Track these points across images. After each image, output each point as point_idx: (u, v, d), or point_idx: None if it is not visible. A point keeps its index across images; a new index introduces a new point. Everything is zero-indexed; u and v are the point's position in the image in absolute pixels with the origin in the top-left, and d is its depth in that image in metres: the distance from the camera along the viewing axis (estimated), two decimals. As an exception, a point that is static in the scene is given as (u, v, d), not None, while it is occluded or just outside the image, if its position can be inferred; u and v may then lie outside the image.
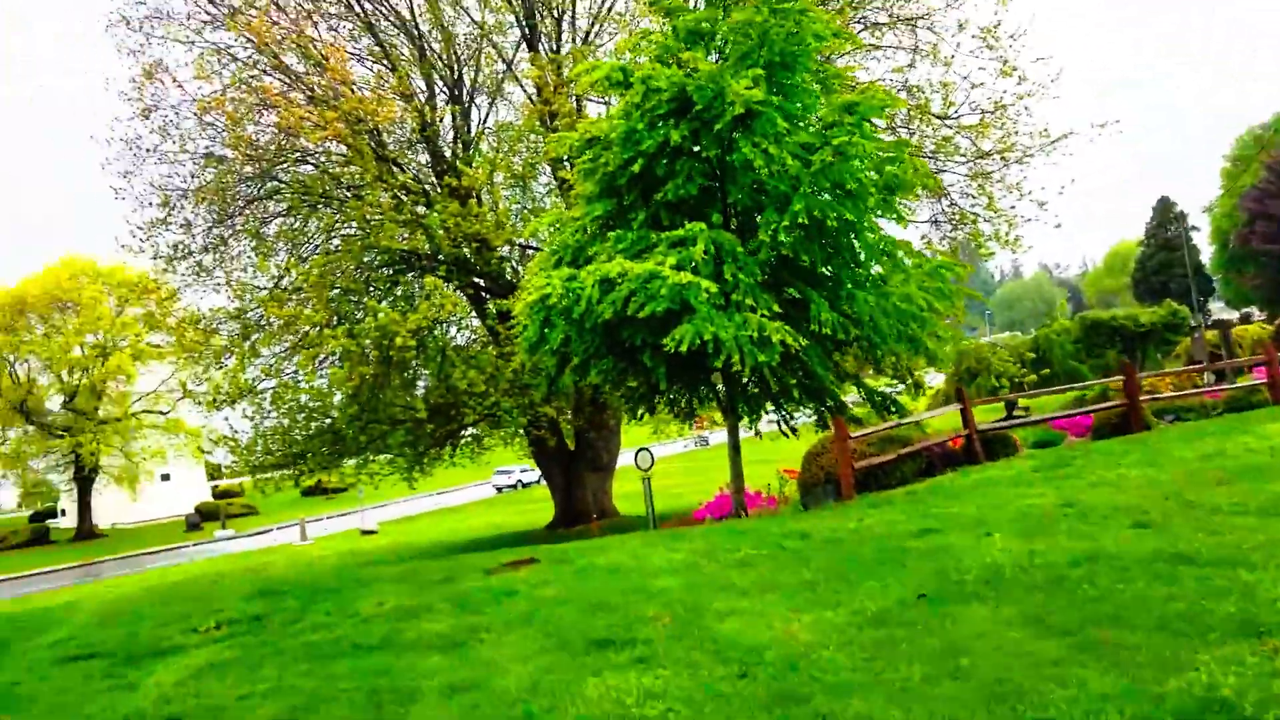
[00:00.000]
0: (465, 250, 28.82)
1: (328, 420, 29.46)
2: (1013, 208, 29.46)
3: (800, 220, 15.06)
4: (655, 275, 14.69)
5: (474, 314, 32.67)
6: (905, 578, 9.14)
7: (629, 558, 12.05)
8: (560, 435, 32.96)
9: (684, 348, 14.41)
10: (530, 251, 32.67)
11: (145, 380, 70.49)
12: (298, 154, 29.87)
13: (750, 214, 16.65)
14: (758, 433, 18.53)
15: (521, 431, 32.47)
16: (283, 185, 30.51)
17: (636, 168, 15.78)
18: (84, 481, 70.67)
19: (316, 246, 30.75)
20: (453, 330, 32.46)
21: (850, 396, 18.96)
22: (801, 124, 16.41)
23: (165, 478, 76.56)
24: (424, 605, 10.60)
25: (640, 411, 18.68)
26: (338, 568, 37.60)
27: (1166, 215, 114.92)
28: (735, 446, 17.62)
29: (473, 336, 33.44)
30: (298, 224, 31.24)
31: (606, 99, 25.47)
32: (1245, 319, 71.84)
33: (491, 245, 30.01)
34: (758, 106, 15.27)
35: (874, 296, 16.27)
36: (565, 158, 26.36)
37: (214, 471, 79.03)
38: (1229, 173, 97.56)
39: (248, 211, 30.77)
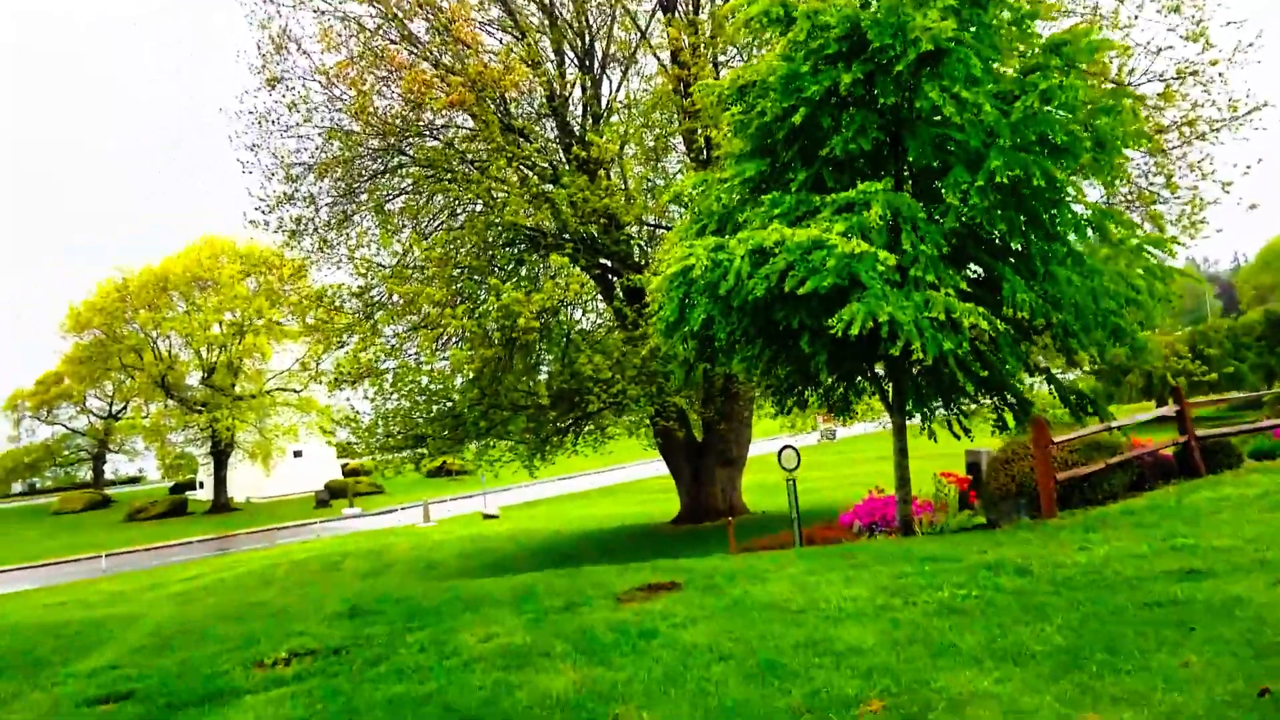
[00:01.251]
0: (593, 228, 26.46)
1: (449, 403, 27.44)
2: (1194, 188, 25.84)
3: (998, 179, 12.20)
4: (820, 244, 12.00)
5: (600, 297, 30.32)
6: (1206, 651, 6.33)
7: (794, 589, 9.43)
8: (688, 426, 30.43)
9: (854, 331, 11.69)
10: (661, 231, 30.22)
11: (281, 358, 70.34)
12: (423, 126, 27.89)
13: (929, 176, 13.79)
14: (931, 433, 15.70)
15: (648, 422, 29.99)
16: (407, 160, 28.57)
17: (798, 118, 13.07)
18: (220, 456, 70.87)
19: (440, 223, 28.76)
20: (578, 313, 30.19)
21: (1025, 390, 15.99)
22: (996, 67, 13.47)
23: (298, 454, 76.48)
24: (540, 646, 8.17)
25: (789, 404, 16.02)
26: (458, 554, 36.06)
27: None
28: (902, 450, 14.83)
29: (599, 321, 31.11)
30: (422, 200, 29.28)
31: (753, 52, 22.72)
32: None
33: (620, 223, 27.63)
34: (948, 43, 12.42)
35: (1078, 275, 13.29)
36: (706, 124, 23.77)
37: (343, 450, 79.03)
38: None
39: (371, 185, 28.93)
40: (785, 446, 17.70)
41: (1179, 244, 16.84)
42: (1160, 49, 25.00)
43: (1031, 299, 12.73)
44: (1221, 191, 27.94)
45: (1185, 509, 11.69)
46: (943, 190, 13.33)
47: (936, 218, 13.04)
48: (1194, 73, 24.48)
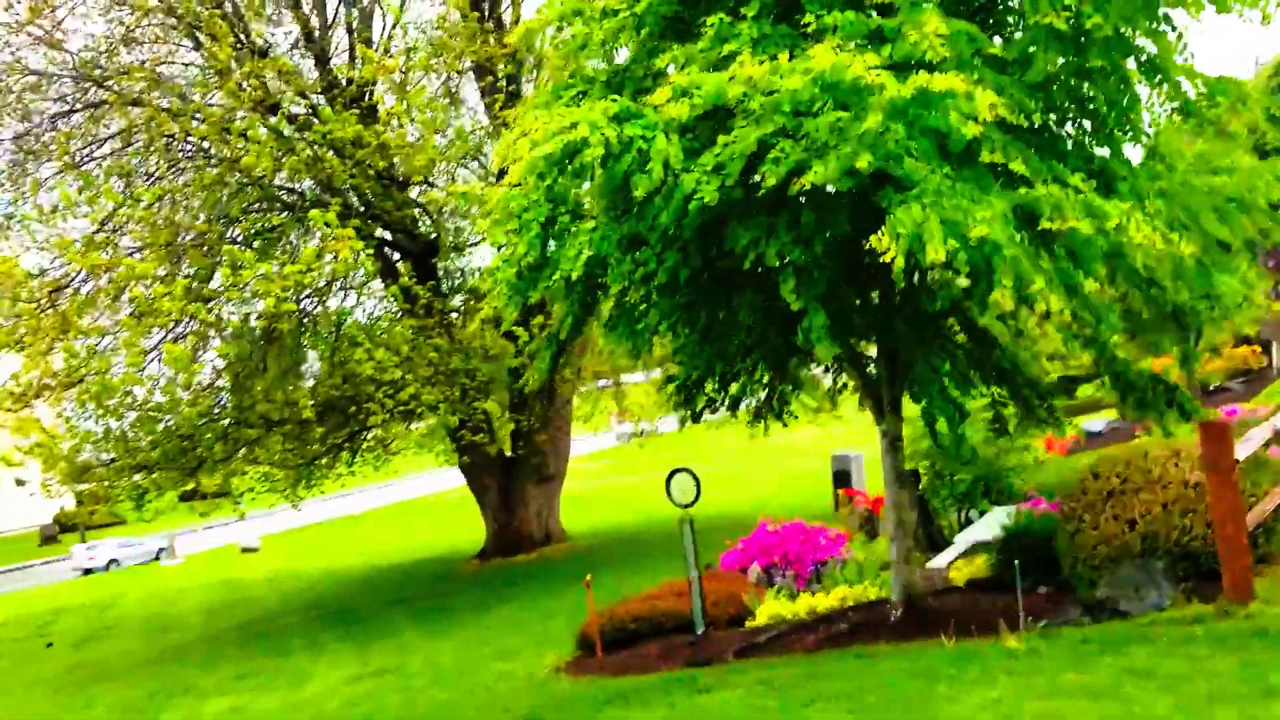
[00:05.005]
0: (367, 184, 19.51)
1: (172, 422, 19.81)
2: None
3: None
4: (836, 86, 5.93)
5: (381, 277, 23.32)
6: None
7: None
8: (496, 437, 23.83)
9: (927, 259, 5.65)
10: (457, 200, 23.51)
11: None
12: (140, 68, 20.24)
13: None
14: (933, 433, 9.84)
15: (444, 432, 23.10)
16: (110, 104, 20.65)
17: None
18: (-80, 489, 58.49)
19: (158, 178, 21.02)
20: (353, 299, 23.08)
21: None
22: None
23: (20, 483, 64.57)
24: None
25: (726, 401, 9.91)
26: (204, 608, 28.03)
27: None
28: (899, 473, 8.96)
29: (382, 307, 24.03)
30: (135, 153, 21.41)
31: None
32: None
33: (404, 180, 20.83)
34: None
35: (1167, 180, 7.68)
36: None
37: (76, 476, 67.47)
38: None
39: (61, 133, 20.87)
40: (678, 470, 11.47)
41: None
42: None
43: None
44: None
45: None
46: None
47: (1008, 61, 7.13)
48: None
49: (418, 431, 23.99)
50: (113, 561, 44.63)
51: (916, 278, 8.64)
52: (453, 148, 19.86)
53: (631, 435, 47.16)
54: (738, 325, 8.09)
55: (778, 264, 6.64)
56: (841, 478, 19.94)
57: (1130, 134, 7.95)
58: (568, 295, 7.91)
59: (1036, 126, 7.51)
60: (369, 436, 23.36)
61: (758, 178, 6.28)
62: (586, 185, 7.69)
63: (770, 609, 12.30)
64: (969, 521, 17.13)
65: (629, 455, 51.71)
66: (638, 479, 42.86)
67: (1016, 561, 7.94)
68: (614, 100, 6.72)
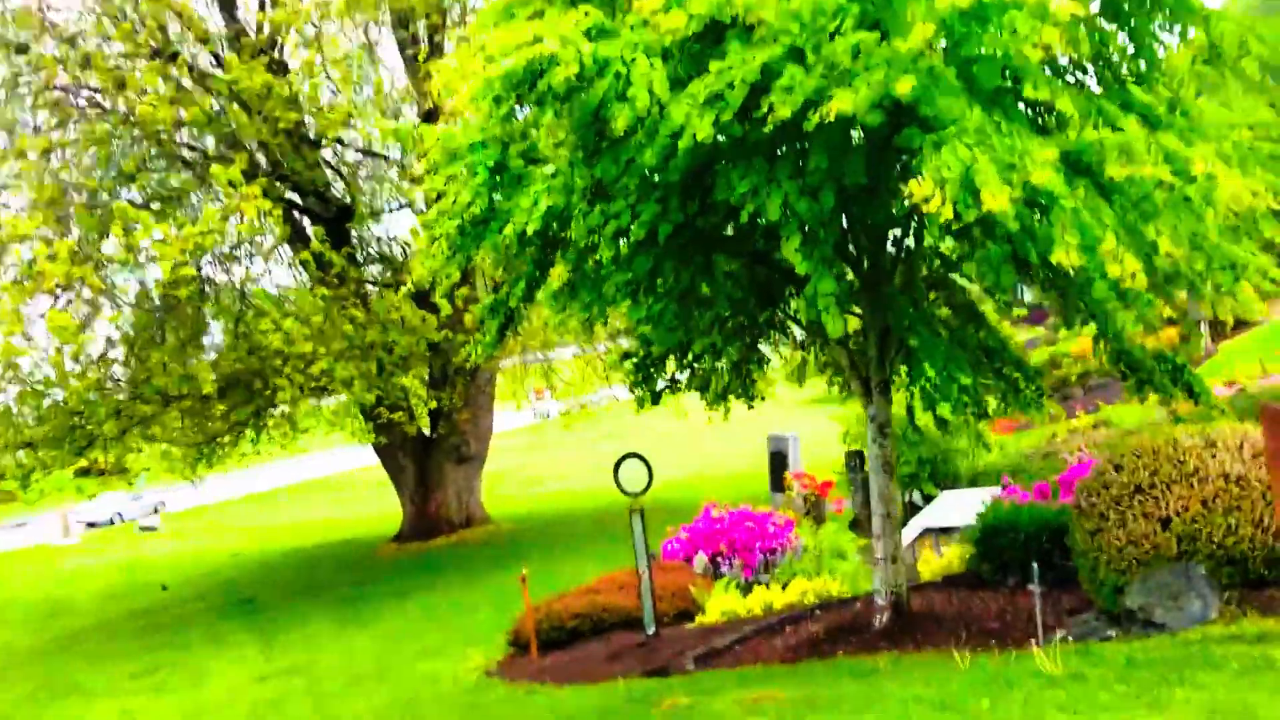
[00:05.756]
0: (275, 140, 17.84)
1: (59, 397, 17.98)
2: None
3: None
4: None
5: (290, 246, 21.62)
6: None
7: None
8: (414, 415, 22.38)
9: (981, 207, 4.56)
10: (371, 160, 21.93)
11: None
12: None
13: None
14: (935, 418, 8.79)
15: (357, 410, 21.52)
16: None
17: None
18: None
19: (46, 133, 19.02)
20: (258, 266, 21.34)
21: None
22: None
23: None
24: None
25: (723, 385, 8.74)
26: (100, 592, 25.95)
27: None
28: (887, 462, 7.93)
29: (291, 276, 22.30)
30: (18, 102, 19.36)
31: None
32: None
33: (319, 139, 19.23)
34: None
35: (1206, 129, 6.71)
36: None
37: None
38: None
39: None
40: (628, 456, 10.30)
41: None
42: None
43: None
44: None
45: None
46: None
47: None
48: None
49: (329, 408, 22.38)
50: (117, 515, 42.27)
51: (911, 242, 7.59)
52: (370, 105, 18.30)
53: (561, 412, 45.15)
54: (718, 293, 6.93)
55: (779, 218, 5.50)
56: (778, 459, 18.93)
57: (1151, 81, 6.95)
58: (520, 254, 6.68)
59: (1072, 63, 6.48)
60: (276, 413, 21.73)
61: (762, 111, 5.11)
62: (540, 127, 6.45)
63: (721, 603, 11.25)
64: (913, 505, 16.32)
65: (546, 433, 50.26)
66: (559, 457, 41.54)
67: (1035, 565, 6.94)
68: (585, 14, 5.48)
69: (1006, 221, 4.87)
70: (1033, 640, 6.80)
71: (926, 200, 4.56)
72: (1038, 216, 4.97)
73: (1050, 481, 11.62)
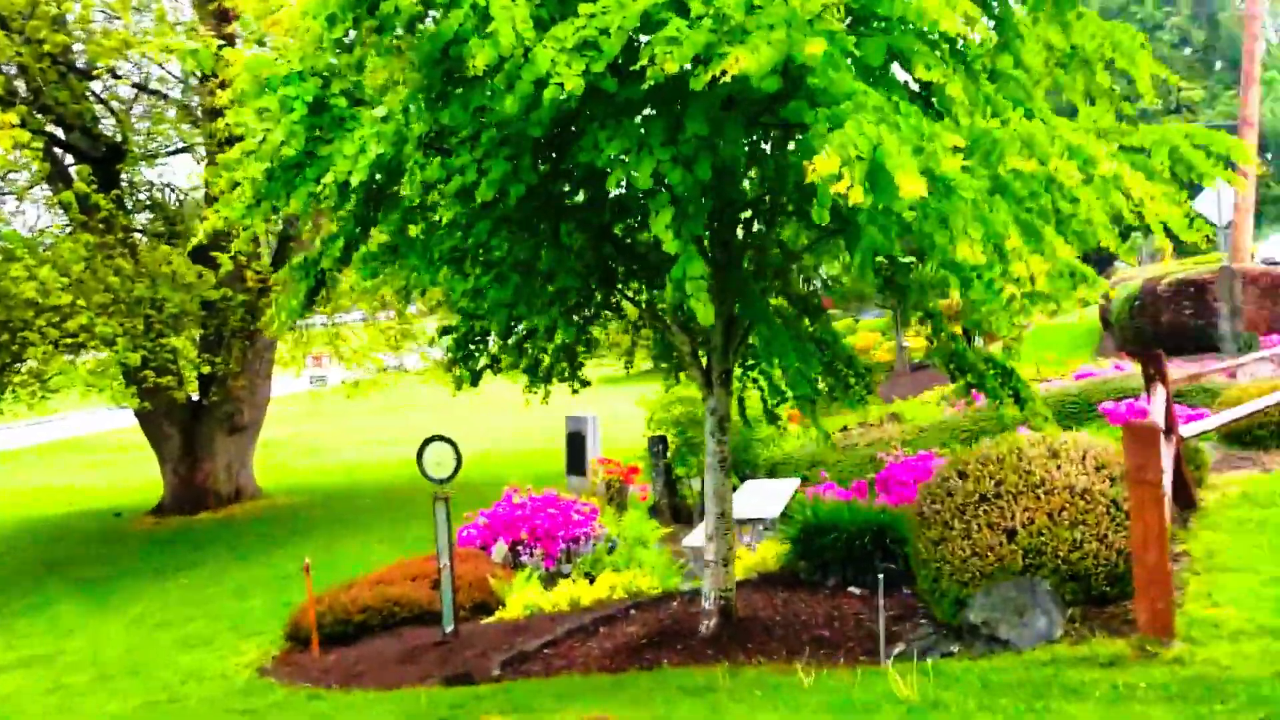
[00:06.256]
0: (38, 70, 15.76)
1: None
2: None
3: None
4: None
5: (50, 184, 19.29)
6: None
7: None
8: (205, 380, 20.53)
9: (891, 194, 4.03)
10: (149, 96, 19.84)
11: None
12: None
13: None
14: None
15: (118, 370, 19.45)
16: None
17: None
18: None
19: None
20: (10, 204, 18.96)
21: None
22: None
23: None
24: None
25: (548, 368, 7.95)
26: None
27: None
28: (724, 458, 7.42)
29: (48, 216, 19.95)
30: None
31: None
32: None
33: (89, 69, 17.16)
34: None
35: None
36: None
37: None
38: None
39: None
40: (434, 438, 9.40)
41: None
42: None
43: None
44: None
45: None
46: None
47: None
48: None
49: (85, 366, 20.17)
50: None
51: (762, 225, 7.10)
52: (150, 36, 16.40)
53: (314, 382, 42.47)
54: (560, 268, 6.20)
55: (649, 188, 4.85)
56: (576, 440, 18.31)
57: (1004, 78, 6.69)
58: (340, 207, 5.75)
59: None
60: (23, 370, 19.43)
61: (641, 63, 4.44)
62: (372, 58, 5.52)
63: (524, 597, 10.56)
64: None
65: (325, 401, 48.00)
66: (339, 427, 39.58)
67: (881, 576, 6.58)
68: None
69: (902, 211, 4.39)
70: (875, 655, 6.46)
71: (837, 178, 4.00)
72: (933, 207, 4.51)
73: (868, 480, 11.51)
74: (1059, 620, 5.90)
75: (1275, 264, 27.39)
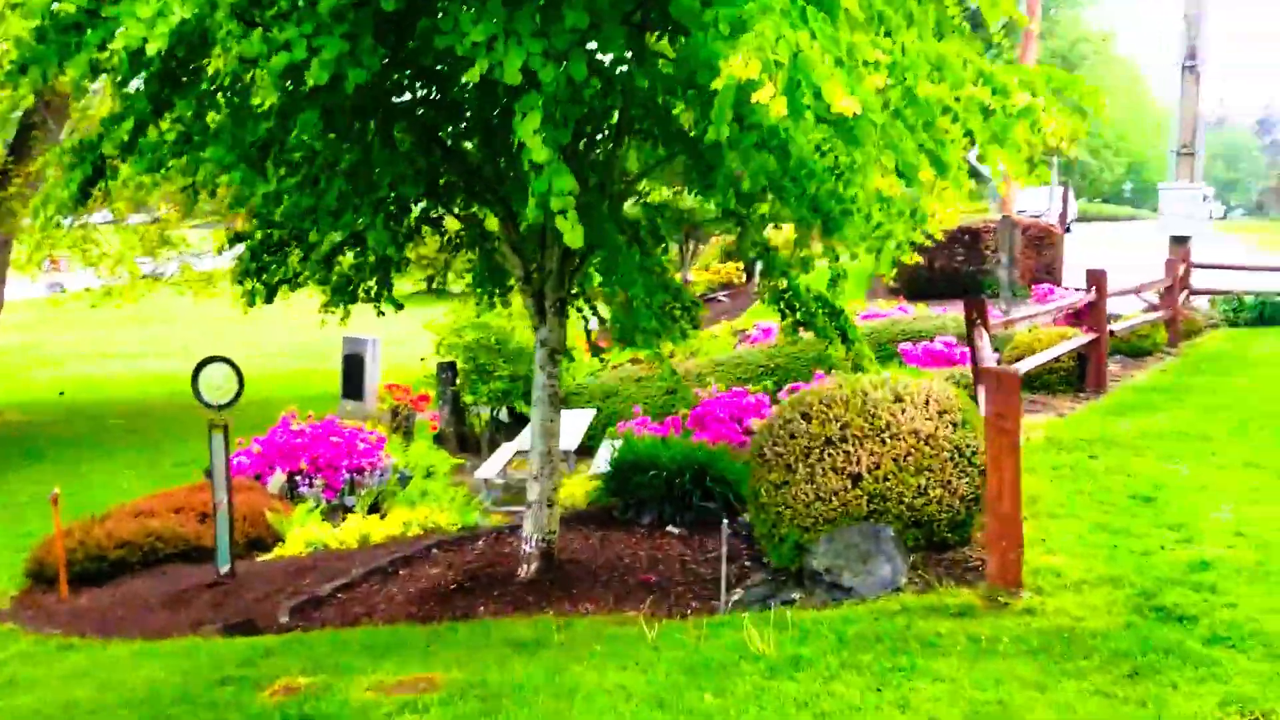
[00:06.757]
0: None
1: None
2: None
3: None
4: None
5: None
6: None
7: None
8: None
9: (823, 104, 3.54)
10: None
11: None
12: None
13: None
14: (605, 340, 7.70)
15: None
16: None
17: None
18: None
19: None
20: None
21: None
22: None
23: None
24: None
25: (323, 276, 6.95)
26: None
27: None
28: (554, 394, 6.80)
29: None
30: None
31: None
32: None
33: None
34: None
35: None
36: None
37: None
38: None
39: None
40: (211, 359, 8.34)
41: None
42: None
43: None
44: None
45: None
46: None
47: None
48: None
49: None
50: None
51: (609, 143, 6.49)
52: None
53: (51, 288, 38.46)
54: (399, 174, 5.35)
55: (519, 83, 4.16)
56: (354, 363, 17.19)
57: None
58: (126, 82, 4.72)
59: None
60: None
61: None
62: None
63: (306, 533, 9.69)
64: (499, 422, 15.52)
65: (66, 309, 43.82)
66: (82, 338, 36.10)
67: (725, 523, 6.21)
68: None
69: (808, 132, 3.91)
70: (710, 601, 6.12)
71: (755, 87, 3.46)
72: (843, 130, 4.07)
73: (681, 415, 11.23)
74: (903, 568, 5.73)
75: (1036, 216, 29.16)
